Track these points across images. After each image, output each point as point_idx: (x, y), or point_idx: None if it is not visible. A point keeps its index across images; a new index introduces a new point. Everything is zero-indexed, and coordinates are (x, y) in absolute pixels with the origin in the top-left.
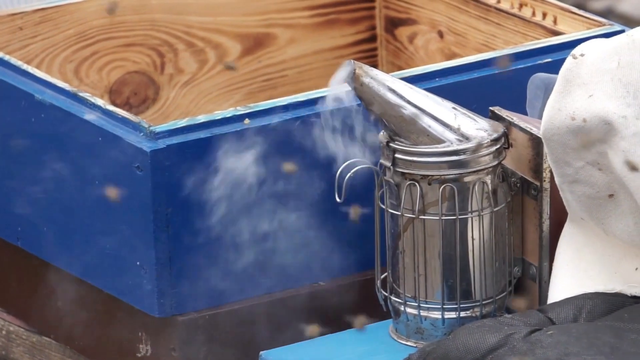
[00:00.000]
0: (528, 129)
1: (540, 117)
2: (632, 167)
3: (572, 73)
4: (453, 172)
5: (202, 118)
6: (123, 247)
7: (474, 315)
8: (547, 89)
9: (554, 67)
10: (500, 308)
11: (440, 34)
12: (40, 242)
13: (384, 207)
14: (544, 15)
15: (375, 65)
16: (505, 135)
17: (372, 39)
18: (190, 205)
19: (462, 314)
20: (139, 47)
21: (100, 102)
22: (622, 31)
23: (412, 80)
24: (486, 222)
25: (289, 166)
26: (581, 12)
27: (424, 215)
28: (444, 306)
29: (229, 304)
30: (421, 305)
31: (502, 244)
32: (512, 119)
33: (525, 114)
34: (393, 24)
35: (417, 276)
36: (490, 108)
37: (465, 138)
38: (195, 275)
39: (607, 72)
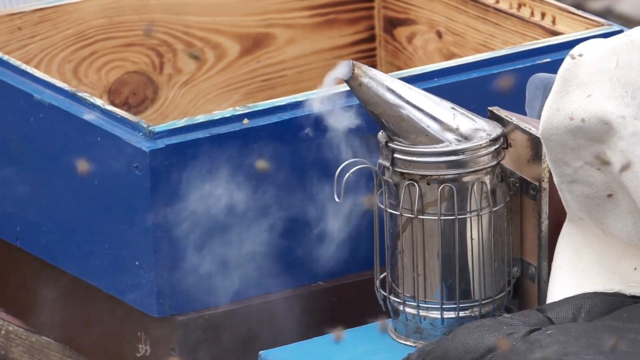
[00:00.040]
0: (527, 129)
1: (539, 117)
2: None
3: (570, 73)
4: (452, 172)
5: (200, 118)
6: (122, 247)
7: (473, 315)
8: (546, 89)
9: (553, 67)
10: (499, 308)
11: (439, 34)
12: (39, 242)
13: (383, 207)
14: (543, 15)
15: (374, 65)
16: (504, 135)
17: (371, 39)
18: (189, 205)
19: (461, 313)
20: (137, 47)
21: (99, 102)
22: (620, 31)
23: (411, 80)
24: (485, 222)
25: (261, 164)
26: (580, 12)
27: (423, 215)
28: (443, 306)
29: (228, 304)
30: (420, 305)
31: (501, 243)
32: (511, 119)
33: (524, 114)
34: (392, 24)
35: (416, 276)
36: (489, 108)
37: (464, 138)
38: (195, 275)
39: (605, 72)
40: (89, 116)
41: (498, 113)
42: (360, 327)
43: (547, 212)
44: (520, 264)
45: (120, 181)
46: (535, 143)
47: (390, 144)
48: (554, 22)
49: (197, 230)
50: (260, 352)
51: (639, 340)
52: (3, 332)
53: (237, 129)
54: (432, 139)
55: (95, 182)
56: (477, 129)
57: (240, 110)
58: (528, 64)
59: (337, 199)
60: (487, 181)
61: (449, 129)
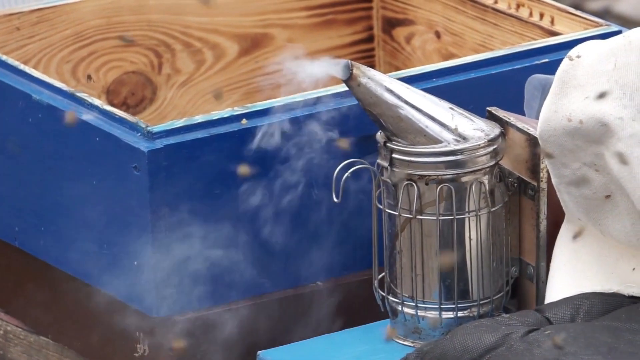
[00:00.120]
0: (525, 129)
1: (537, 117)
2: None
3: (568, 75)
4: (450, 172)
5: (199, 118)
6: (121, 247)
7: (471, 315)
8: (545, 90)
9: (551, 68)
10: (497, 308)
11: (438, 35)
12: (38, 242)
13: (381, 207)
14: (541, 15)
15: (372, 66)
16: (503, 135)
17: (370, 39)
18: (188, 205)
19: (460, 313)
20: (136, 47)
21: (97, 102)
22: (619, 32)
23: (410, 80)
24: (483, 222)
25: (243, 169)
26: (578, 12)
27: (422, 215)
28: (442, 306)
29: (227, 304)
30: (419, 305)
31: (500, 244)
32: (509, 119)
33: (523, 114)
34: (390, 24)
35: (414, 276)
36: (488, 108)
37: (463, 138)
38: (193, 275)
39: (603, 74)
40: (88, 116)
41: (496, 113)
42: (359, 327)
43: (546, 213)
44: (519, 264)
45: (119, 181)
46: (533, 143)
47: (388, 144)
48: (552, 22)
49: (196, 230)
50: (259, 352)
51: (636, 341)
52: (1, 332)
53: (236, 129)
54: (430, 139)
55: (94, 182)
56: (476, 129)
57: (238, 110)
58: (526, 64)
59: (335, 199)
60: (486, 181)
61: (447, 129)
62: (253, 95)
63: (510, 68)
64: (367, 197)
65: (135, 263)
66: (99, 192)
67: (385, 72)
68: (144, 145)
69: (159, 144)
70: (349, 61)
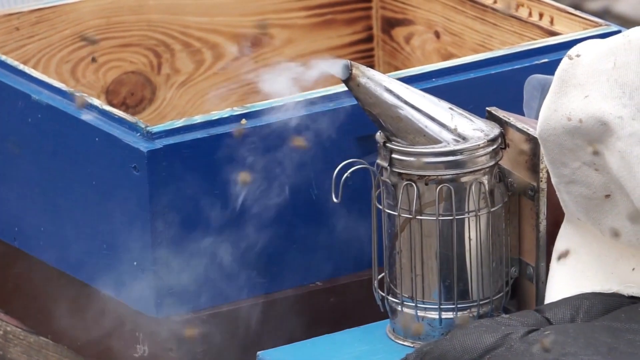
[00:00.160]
0: (525, 129)
1: (537, 117)
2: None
3: (568, 74)
4: (450, 173)
5: (198, 118)
6: (120, 247)
7: (471, 315)
8: (544, 90)
9: (551, 68)
10: (497, 308)
11: (437, 35)
12: (37, 242)
13: (381, 207)
14: (541, 15)
15: (371, 66)
16: (502, 135)
17: (369, 39)
18: (187, 206)
19: (459, 314)
20: (135, 47)
21: (97, 102)
22: (618, 32)
23: (409, 80)
24: (483, 223)
25: (244, 176)
26: (578, 12)
27: (421, 216)
28: (441, 306)
29: (227, 304)
30: (418, 305)
31: (499, 244)
32: (509, 119)
33: (522, 114)
34: (390, 24)
35: (414, 276)
36: (487, 108)
37: (462, 138)
38: (193, 275)
39: (603, 73)
40: (87, 116)
41: (496, 113)
42: (359, 328)
43: (545, 213)
44: (518, 264)
45: (118, 181)
46: (533, 143)
47: (388, 144)
48: (551, 22)
49: (195, 231)
50: (259, 352)
51: (636, 341)
52: (1, 332)
53: (235, 129)
54: (430, 139)
55: (93, 182)
56: (475, 129)
57: (238, 110)
58: (526, 64)
59: (335, 199)
60: (485, 181)
61: (447, 129)
62: (252, 96)
63: (509, 68)
64: (367, 197)
65: (135, 263)
66: (98, 192)
67: (384, 72)
68: (143, 146)
69: (159, 144)
70: (349, 61)
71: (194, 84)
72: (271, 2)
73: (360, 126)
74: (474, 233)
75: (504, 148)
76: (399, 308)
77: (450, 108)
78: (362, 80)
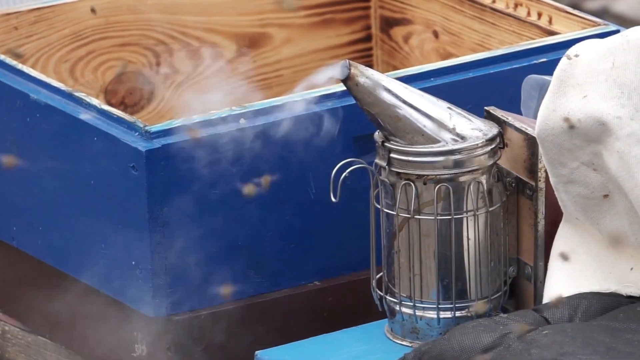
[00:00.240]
0: (523, 129)
1: (535, 117)
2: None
3: (566, 74)
4: (448, 172)
5: (197, 118)
6: (119, 247)
7: (469, 314)
8: (542, 90)
9: (549, 67)
10: (495, 308)
11: (436, 34)
12: (36, 241)
13: (379, 206)
14: (539, 15)
15: (370, 65)
16: (501, 135)
17: (368, 38)
18: (186, 205)
19: (458, 313)
20: (134, 46)
21: (95, 101)
22: (617, 31)
23: (408, 80)
24: (481, 222)
25: (248, 189)
26: (576, 12)
27: (420, 215)
28: (440, 306)
29: (225, 304)
30: (416, 305)
31: (498, 243)
32: (507, 118)
33: (521, 114)
34: (388, 23)
35: (412, 276)
36: (486, 108)
37: (461, 138)
38: (191, 275)
39: (601, 73)
40: (86, 116)
41: (494, 113)
42: (357, 327)
43: (544, 212)
44: (517, 264)
45: (117, 181)
46: (531, 143)
47: (386, 144)
48: (550, 22)
49: (194, 230)
50: (257, 352)
51: (635, 341)
52: None
53: (234, 129)
54: (428, 138)
55: (92, 182)
56: (474, 128)
57: (236, 110)
58: (524, 64)
59: (333, 199)
60: (484, 181)
61: (445, 128)
62: (251, 95)
63: (508, 67)
64: (365, 197)
65: (133, 263)
66: (97, 191)
67: (383, 72)
68: (141, 145)
69: (157, 143)
70: (347, 61)
71: (193, 83)
72: (269, 1)
73: (359, 125)
74: (472, 232)
75: (503, 147)
76: (397, 307)
77: (449, 107)
78: (361, 79)
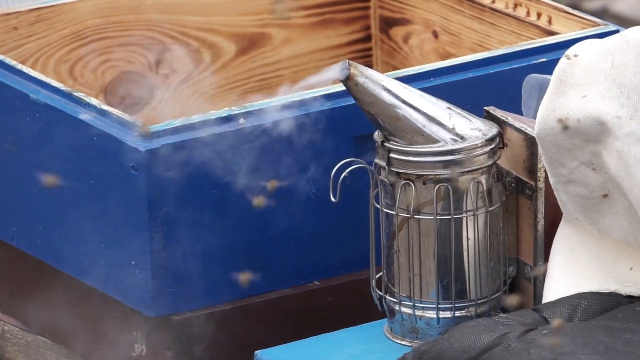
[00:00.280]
0: (523, 129)
1: (535, 117)
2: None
3: (565, 74)
4: (448, 172)
5: (197, 118)
6: (118, 247)
7: (468, 314)
8: (542, 89)
9: (549, 67)
10: (495, 307)
11: (435, 34)
12: (35, 241)
13: (378, 206)
14: (539, 15)
15: (370, 65)
16: (500, 135)
17: (367, 38)
18: (185, 205)
19: (457, 313)
20: (133, 46)
21: (95, 101)
22: (616, 31)
23: (407, 80)
24: (481, 222)
25: (258, 201)
26: (576, 12)
27: (419, 215)
28: (439, 305)
29: (224, 304)
30: (416, 304)
31: (497, 243)
32: (507, 118)
33: (520, 113)
34: (388, 23)
35: (412, 276)
36: (485, 108)
37: (460, 138)
38: (191, 274)
39: (600, 73)
40: (85, 116)
41: (494, 113)
42: (356, 327)
43: (543, 212)
44: (516, 263)
45: (116, 181)
46: (531, 143)
47: (386, 144)
48: (549, 22)
49: (193, 230)
50: (256, 351)
51: (634, 340)
52: None
53: (234, 129)
54: (428, 138)
55: (92, 182)
56: (473, 128)
57: (236, 110)
58: (524, 64)
59: (333, 199)
60: (483, 181)
61: (445, 128)
62: (251, 95)
63: (507, 67)
64: (365, 196)
65: (133, 262)
66: (96, 191)
67: (382, 72)
68: (141, 145)
69: (157, 143)
70: (347, 61)
71: (192, 83)
72: (269, 1)
73: (359, 125)
74: (471, 232)
75: (502, 147)
76: (397, 307)
77: (448, 107)
78: (361, 79)
